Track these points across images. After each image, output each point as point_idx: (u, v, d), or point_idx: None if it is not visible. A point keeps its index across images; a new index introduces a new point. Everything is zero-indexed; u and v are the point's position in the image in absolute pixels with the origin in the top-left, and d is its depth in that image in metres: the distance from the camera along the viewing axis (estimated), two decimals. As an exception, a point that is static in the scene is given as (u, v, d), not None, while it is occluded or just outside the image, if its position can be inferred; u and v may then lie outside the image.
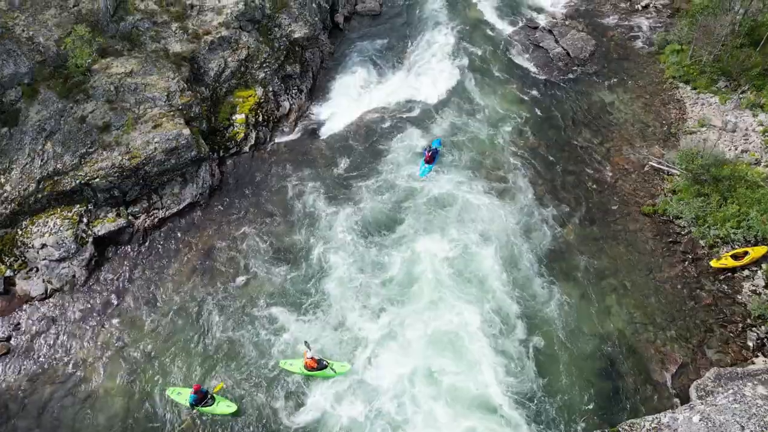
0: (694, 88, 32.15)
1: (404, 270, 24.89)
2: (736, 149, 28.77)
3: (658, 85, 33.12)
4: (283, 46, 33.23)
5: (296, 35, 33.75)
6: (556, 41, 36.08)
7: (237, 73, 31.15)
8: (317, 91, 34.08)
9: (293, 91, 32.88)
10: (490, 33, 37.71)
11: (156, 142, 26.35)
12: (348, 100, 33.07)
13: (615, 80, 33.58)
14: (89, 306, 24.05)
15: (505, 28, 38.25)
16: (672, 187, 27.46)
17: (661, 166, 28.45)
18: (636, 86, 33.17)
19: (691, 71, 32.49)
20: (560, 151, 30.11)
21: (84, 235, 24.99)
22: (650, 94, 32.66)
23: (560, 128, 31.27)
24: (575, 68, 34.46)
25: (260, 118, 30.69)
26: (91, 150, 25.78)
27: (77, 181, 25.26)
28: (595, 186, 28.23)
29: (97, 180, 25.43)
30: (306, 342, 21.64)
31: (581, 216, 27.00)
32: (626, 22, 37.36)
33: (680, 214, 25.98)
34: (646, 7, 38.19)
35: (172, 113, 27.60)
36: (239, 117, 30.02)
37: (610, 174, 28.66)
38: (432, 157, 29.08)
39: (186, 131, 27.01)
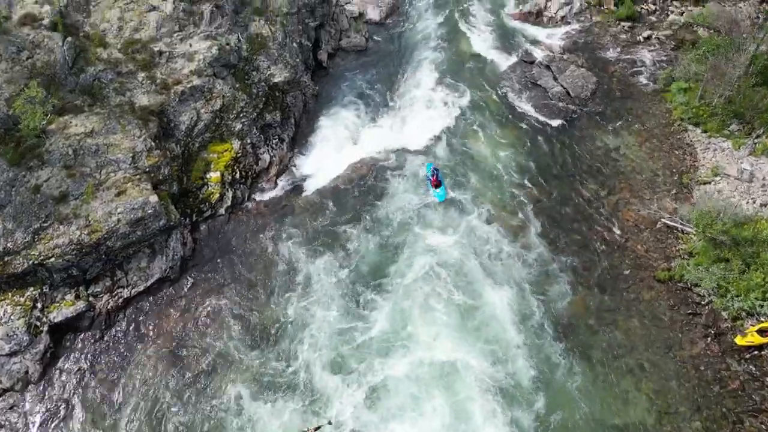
0: (705, 131, 29.86)
1: (396, 333, 22.55)
2: (754, 202, 26.48)
3: (666, 127, 30.80)
4: (261, 92, 30.56)
5: (276, 79, 31.09)
6: (555, 78, 33.68)
7: (211, 125, 28.46)
8: (300, 139, 31.45)
9: (274, 141, 30.22)
10: (483, 69, 35.25)
11: (119, 213, 23.59)
12: (334, 149, 30.49)
13: (619, 122, 31.22)
14: (44, 407, 21.26)
15: (499, 63, 35.81)
16: (688, 248, 25.09)
17: (675, 224, 26.08)
18: (642, 129, 30.83)
19: (700, 113, 30.19)
20: (564, 204, 27.68)
21: (38, 324, 22.19)
22: (658, 138, 30.32)
23: (563, 178, 28.86)
24: (576, 109, 32.06)
25: (237, 175, 28.01)
26: (45, 225, 22.97)
27: (30, 262, 22.45)
28: (604, 247, 25.80)
29: (53, 259, 22.63)
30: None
31: (592, 283, 24.55)
32: (628, 56, 35.04)
33: (699, 281, 23.60)
34: (648, 38, 35.90)
35: (138, 177, 24.86)
36: (214, 175, 27.33)
37: (620, 232, 26.24)
38: (437, 179, 28.08)
39: (153, 198, 24.28)
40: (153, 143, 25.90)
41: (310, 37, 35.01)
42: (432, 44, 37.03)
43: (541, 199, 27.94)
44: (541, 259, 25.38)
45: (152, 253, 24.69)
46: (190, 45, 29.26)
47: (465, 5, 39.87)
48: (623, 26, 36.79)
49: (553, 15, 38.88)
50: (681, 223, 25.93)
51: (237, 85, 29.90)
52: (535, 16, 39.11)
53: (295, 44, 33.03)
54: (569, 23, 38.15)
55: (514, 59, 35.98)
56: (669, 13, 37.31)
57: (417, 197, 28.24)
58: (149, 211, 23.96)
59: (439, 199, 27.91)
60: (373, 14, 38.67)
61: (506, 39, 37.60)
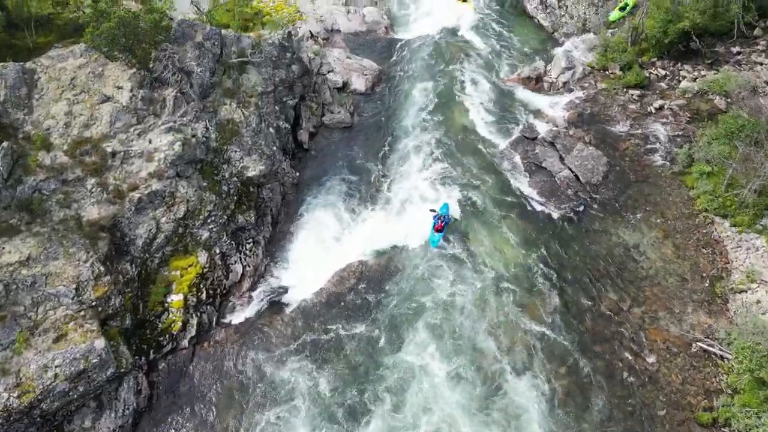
0: (734, 225, 26.36)
1: None
2: (800, 317, 22.94)
3: (689, 219, 27.29)
4: (233, 190, 26.74)
5: (250, 173, 27.30)
6: (561, 159, 30.18)
7: (173, 236, 24.52)
8: (278, 241, 27.56)
9: (247, 246, 26.32)
10: (481, 147, 31.67)
11: (57, 366, 19.50)
12: (317, 252, 26.63)
13: (637, 213, 27.67)
14: None
15: (498, 138, 32.27)
16: (731, 381, 21.39)
17: (713, 349, 22.42)
18: (662, 221, 27.29)
19: (728, 203, 26.72)
20: (580, 320, 23.95)
21: None
22: (681, 233, 26.78)
23: (577, 284, 25.18)
24: (588, 197, 28.51)
25: (204, 295, 24.05)
26: (-36, 387, 18.86)
27: (-57, 437, 18.32)
28: (632, 378, 22.02)
29: (-28, 433, 18.51)
30: None
31: (623, 429, 20.73)
32: (639, 130, 31.64)
33: (748, 430, 19.89)
34: (660, 109, 32.57)
35: (82, 314, 20.82)
36: (176, 299, 23.33)
37: (650, 359, 22.49)
38: (443, 225, 26.77)
39: (100, 343, 20.23)
40: (102, 267, 21.89)
41: (288, 117, 31.31)
42: (424, 117, 33.45)
43: (552, 311, 24.19)
44: (553, 400, 21.53)
45: (99, 407, 20.57)
46: (150, 141, 25.41)
47: (457, 70, 36.42)
48: (632, 95, 33.47)
49: (554, 81, 35.57)
50: (720, 348, 22.28)
51: (204, 184, 26.05)
52: (535, 82, 35.77)
53: (271, 129, 29.27)
54: (572, 90, 34.80)
55: (514, 134, 32.46)
56: (680, 78, 34.07)
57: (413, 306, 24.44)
58: (94, 360, 19.88)
59: (432, 245, 26.65)
60: (359, 84, 35.11)
61: (504, 109, 34.13)
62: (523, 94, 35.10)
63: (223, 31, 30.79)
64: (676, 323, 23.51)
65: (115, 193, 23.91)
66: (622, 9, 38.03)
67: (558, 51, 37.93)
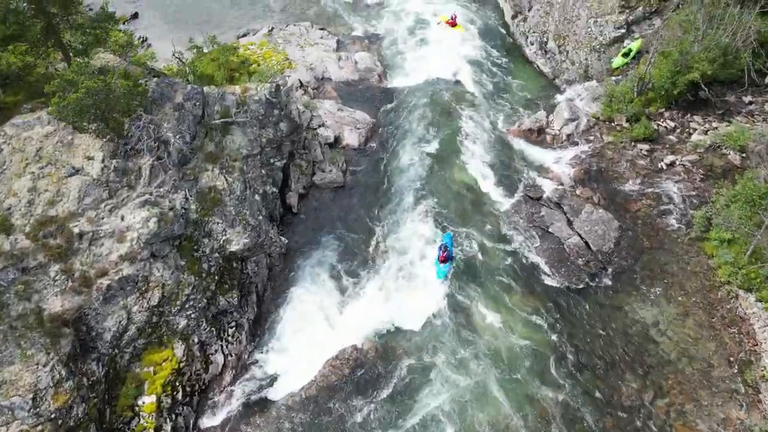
0: (761, 300, 24.18)
1: None
2: (841, 411, 20.67)
3: (710, 292, 25.12)
4: (214, 268, 24.39)
5: (234, 247, 24.96)
6: (570, 223, 28.05)
7: (146, 327, 22.06)
8: (263, 323, 25.13)
9: (229, 331, 23.90)
10: (482, 208, 29.54)
11: (6, 498, 16.95)
12: (306, 337, 24.21)
13: (654, 287, 25.48)
14: None
15: (500, 198, 30.17)
16: (773, 494, 19.08)
17: (749, 452, 20.14)
18: (682, 295, 25.10)
19: (752, 276, 24.57)
20: (599, 416, 21.58)
21: None
22: (703, 308, 24.58)
23: (593, 371, 22.87)
24: (600, 267, 26.33)
25: (180, 394, 21.53)
26: None
27: None
28: (661, 488, 19.68)
29: None
30: None
31: None
32: (651, 189, 29.59)
33: None
34: (672, 165, 30.58)
35: (39, 429, 18.29)
36: (148, 401, 20.79)
37: (679, 464, 20.19)
38: (446, 256, 26.10)
39: (57, 466, 17.70)
40: (64, 371, 19.40)
41: (276, 181, 29.09)
42: (420, 173, 31.33)
43: (567, 405, 21.84)
44: None
45: None
46: (122, 218, 23.06)
47: (455, 121, 34.46)
48: (640, 149, 31.49)
49: (558, 133, 33.61)
50: (757, 452, 19.99)
51: (182, 263, 23.68)
52: (537, 134, 33.80)
53: (257, 196, 27.01)
54: (577, 144, 32.83)
55: (518, 193, 30.37)
56: (691, 131, 32.18)
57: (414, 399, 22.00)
58: (50, 489, 17.36)
59: (439, 276, 26.09)
60: (351, 139, 33.02)
61: (506, 164, 32.08)
62: (525, 147, 33.11)
63: (206, 89, 28.68)
64: (704, 418, 21.19)
65: (82, 280, 21.47)
66: (625, 55, 36.29)
67: (560, 99, 36.09)
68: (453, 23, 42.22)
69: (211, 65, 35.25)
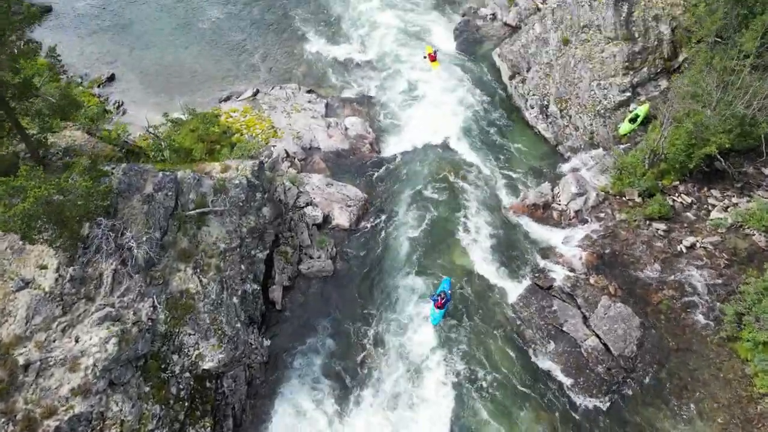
0: (807, 418, 21.33)
1: None
2: None
3: (748, 405, 22.18)
4: (185, 391, 21.17)
5: (207, 364, 21.82)
6: (585, 320, 25.16)
7: (101, 476, 18.79)
8: (242, 452, 21.90)
9: (202, 468, 20.62)
10: (487, 301, 26.65)
11: None
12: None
13: (684, 399, 22.53)
14: None
15: (507, 286, 27.34)
16: None
17: None
18: (716, 409, 22.14)
19: (796, 388, 21.75)
20: None
21: None
22: (742, 427, 21.60)
23: None
24: (622, 375, 23.37)
25: None
26: None
27: None
28: None
29: None
30: None
31: None
32: (672, 276, 26.85)
33: None
34: (692, 248, 27.93)
35: None
36: None
37: None
38: (443, 302, 25.52)
39: None
40: None
41: (257, 275, 26.11)
42: (417, 258, 28.51)
43: None
44: None
45: None
46: (77, 339, 19.94)
47: (453, 196, 31.83)
48: (656, 229, 28.86)
49: (565, 209, 31.00)
50: None
51: (146, 390, 20.47)
52: (543, 210, 31.17)
53: (235, 299, 23.99)
54: (586, 221, 30.18)
55: (525, 280, 27.57)
56: (709, 207, 29.66)
57: None
58: None
59: (433, 323, 25.56)
60: (342, 218, 30.21)
61: (510, 245, 29.33)
62: (530, 226, 30.41)
63: (180, 174, 25.94)
64: None
65: (25, 423, 18.22)
66: (632, 121, 34.01)
67: (565, 169, 33.62)
68: (433, 58, 41.36)
69: (189, 137, 32.56)
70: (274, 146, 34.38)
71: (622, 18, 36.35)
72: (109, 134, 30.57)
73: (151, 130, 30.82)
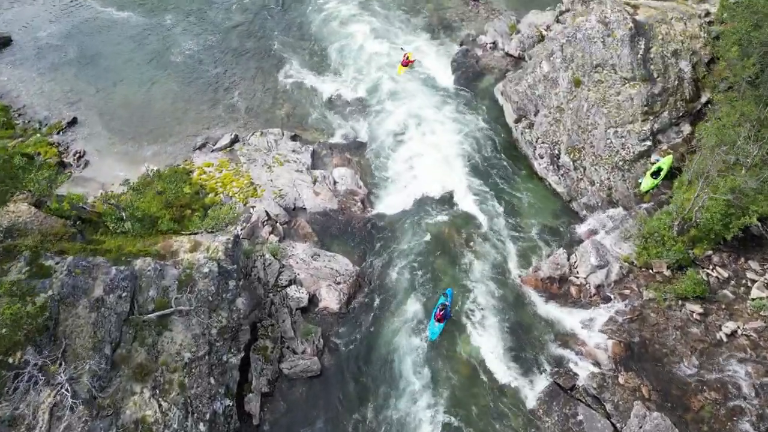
0: None
1: None
2: None
3: None
4: None
5: None
6: (616, 434, 21.45)
7: None
8: None
9: None
10: (499, 407, 22.88)
11: None
12: None
13: None
14: None
15: (522, 385, 23.60)
16: None
17: None
18: None
19: None
20: None
21: None
22: None
23: None
24: None
25: None
26: None
27: None
28: None
29: None
30: None
31: None
32: (712, 373, 23.16)
33: None
34: (733, 335, 24.27)
35: None
36: None
37: None
38: (443, 315, 24.95)
39: None
40: None
41: (230, 387, 22.02)
42: (418, 352, 24.79)
43: None
44: None
45: None
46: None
47: (456, 268, 28.18)
48: (690, 311, 25.18)
49: (584, 283, 27.26)
50: None
51: None
52: (558, 284, 27.41)
53: (202, 425, 19.99)
54: (609, 299, 26.45)
55: (543, 377, 23.84)
56: (749, 283, 26.04)
57: None
58: None
59: (431, 338, 25.04)
60: (330, 299, 26.32)
61: (524, 330, 25.58)
62: (545, 304, 26.67)
63: (138, 265, 22.05)
64: None
65: None
66: (655, 174, 30.34)
67: (581, 231, 29.97)
68: (405, 63, 39.96)
69: (156, 201, 28.49)
70: (253, 207, 30.40)
71: (639, 56, 32.76)
72: (60, 206, 26.43)
73: (112, 202, 26.74)
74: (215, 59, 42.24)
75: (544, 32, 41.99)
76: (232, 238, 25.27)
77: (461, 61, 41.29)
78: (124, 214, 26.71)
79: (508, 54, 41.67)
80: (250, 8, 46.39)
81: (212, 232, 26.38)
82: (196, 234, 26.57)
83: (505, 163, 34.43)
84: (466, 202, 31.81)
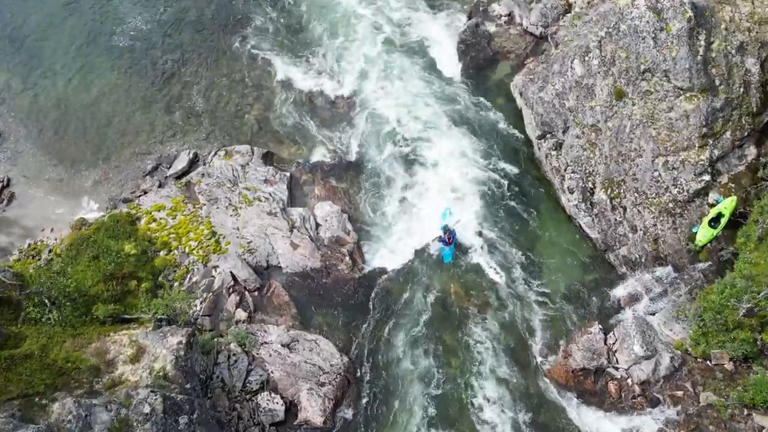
0: None
1: None
2: None
3: None
4: None
5: None
6: None
7: None
8: None
9: None
10: None
11: None
12: None
13: None
14: None
15: None
16: None
17: None
18: None
19: None
20: None
21: None
22: None
23: None
24: None
25: None
26: None
27: None
28: None
29: None
30: None
31: None
32: None
33: None
34: (812, 464, 19.40)
35: None
36: None
37: None
38: (450, 238, 24.47)
39: None
40: None
41: None
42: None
43: None
44: None
45: None
46: None
47: (466, 348, 22.72)
48: (759, 427, 20.12)
49: (625, 378, 21.93)
50: None
51: None
52: (593, 379, 22.06)
53: None
54: (657, 402, 21.23)
55: None
56: (833, 387, 20.74)
57: None
58: None
59: (446, 260, 25.00)
60: (312, 409, 20.89)
61: (554, 443, 20.62)
62: (577, 408, 21.53)
63: (56, 413, 16.54)
64: None
65: None
66: (713, 222, 24.16)
67: (620, 295, 24.36)
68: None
69: (91, 270, 22.75)
70: (216, 269, 24.37)
71: (699, 56, 25.48)
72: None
73: (33, 289, 20.77)
74: (170, 41, 34.33)
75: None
76: (185, 340, 19.65)
77: (470, 42, 33.55)
78: (46, 300, 20.92)
79: (527, 31, 33.86)
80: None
81: (161, 322, 20.73)
82: (141, 323, 20.97)
83: (524, 189, 28.07)
84: (478, 250, 25.83)
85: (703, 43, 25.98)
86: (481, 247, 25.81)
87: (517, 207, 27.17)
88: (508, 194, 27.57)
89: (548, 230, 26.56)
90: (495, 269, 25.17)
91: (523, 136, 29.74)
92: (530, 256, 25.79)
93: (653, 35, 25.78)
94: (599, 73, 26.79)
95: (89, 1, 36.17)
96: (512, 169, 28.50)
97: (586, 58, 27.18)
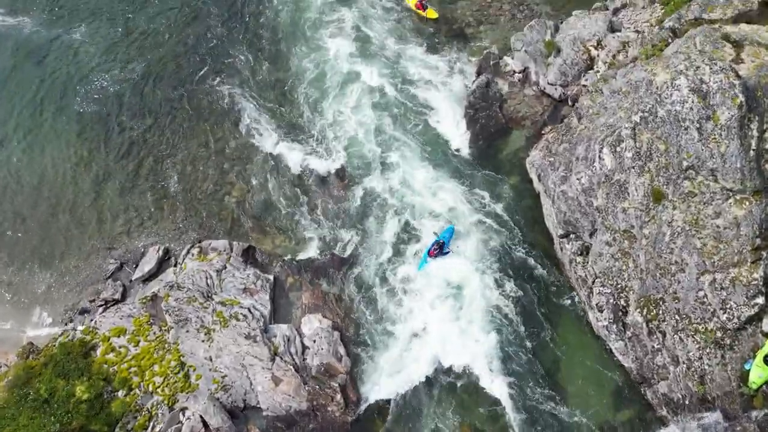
0: None
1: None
2: None
3: None
4: None
5: None
6: None
7: None
8: None
9: None
10: None
11: None
12: None
13: None
14: None
15: None
16: None
17: None
18: None
19: None
20: None
21: None
22: None
23: None
24: None
25: None
26: None
27: None
28: None
29: None
30: None
31: None
32: None
33: None
34: None
35: None
36: None
37: None
38: (436, 253, 23.82)
39: None
40: None
41: None
42: None
43: None
44: None
45: None
46: None
47: None
48: None
49: None
50: None
51: None
52: None
53: None
54: None
55: None
56: None
57: None
58: None
59: (419, 268, 23.88)
60: None
61: None
62: None
63: None
64: None
65: None
66: (769, 358, 20.22)
67: (659, 446, 20.46)
68: (421, 6, 32.62)
69: (34, 427, 18.80)
70: (184, 412, 20.50)
71: (751, 152, 21.30)
72: None
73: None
74: (141, 103, 30.20)
75: (594, 52, 29.92)
76: None
77: (479, 106, 29.42)
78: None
79: (543, 92, 29.71)
80: (192, 20, 33.16)
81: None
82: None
83: (544, 297, 24.09)
84: (490, 381, 22.06)
85: (755, 133, 21.74)
86: (497, 378, 21.82)
87: (537, 316, 23.30)
88: (525, 302, 23.69)
89: (573, 351, 22.72)
90: (512, 407, 21.32)
91: (541, 227, 25.69)
92: (552, 383, 22.02)
93: (698, 125, 21.59)
94: (633, 168, 22.66)
95: (54, 51, 32.02)
96: (530, 270, 24.54)
97: (618, 149, 23.05)
